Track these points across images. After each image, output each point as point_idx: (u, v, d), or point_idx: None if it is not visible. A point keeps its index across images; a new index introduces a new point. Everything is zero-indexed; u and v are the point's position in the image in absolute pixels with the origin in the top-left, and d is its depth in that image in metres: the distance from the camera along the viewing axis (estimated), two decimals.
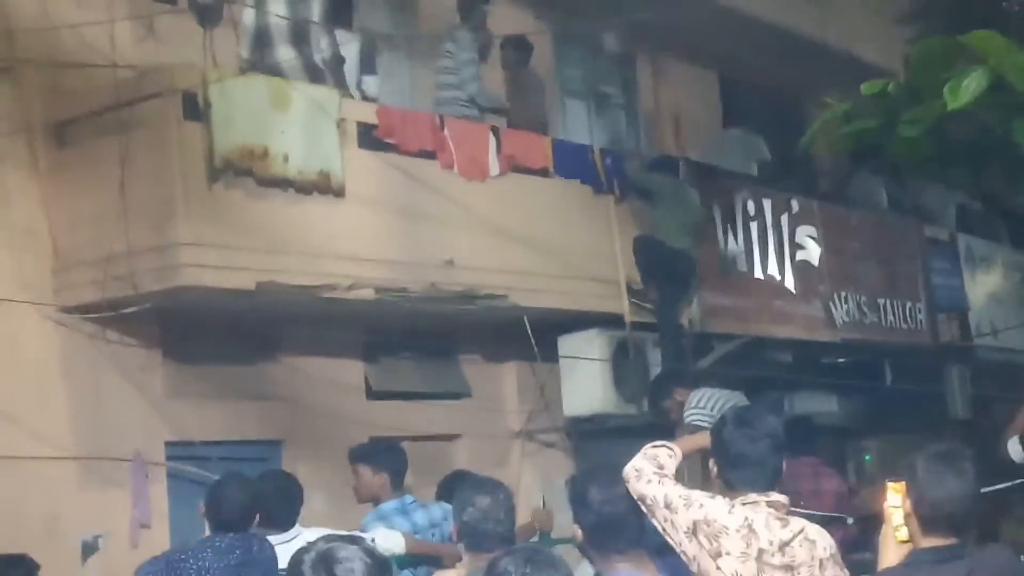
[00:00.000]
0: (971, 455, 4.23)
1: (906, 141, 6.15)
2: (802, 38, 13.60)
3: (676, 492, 4.60)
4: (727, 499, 4.58)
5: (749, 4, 12.09)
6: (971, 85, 5.68)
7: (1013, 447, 6.87)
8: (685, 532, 4.51)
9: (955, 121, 5.96)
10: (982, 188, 7.49)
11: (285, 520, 6.78)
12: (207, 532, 6.28)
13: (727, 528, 4.46)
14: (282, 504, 6.81)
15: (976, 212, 15.35)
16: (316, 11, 9.01)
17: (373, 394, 9.75)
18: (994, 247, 15.42)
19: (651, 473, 4.69)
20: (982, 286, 14.89)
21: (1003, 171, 6.42)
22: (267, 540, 6.36)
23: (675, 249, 10.42)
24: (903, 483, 4.19)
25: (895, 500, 4.21)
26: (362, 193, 8.60)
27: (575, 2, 11.35)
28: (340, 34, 9.25)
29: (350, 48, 9.48)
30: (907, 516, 4.16)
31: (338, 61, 9.09)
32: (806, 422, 11.45)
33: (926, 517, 4.10)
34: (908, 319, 13.40)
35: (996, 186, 6.99)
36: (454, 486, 6.79)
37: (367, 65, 9.76)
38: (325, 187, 8.37)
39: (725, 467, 4.68)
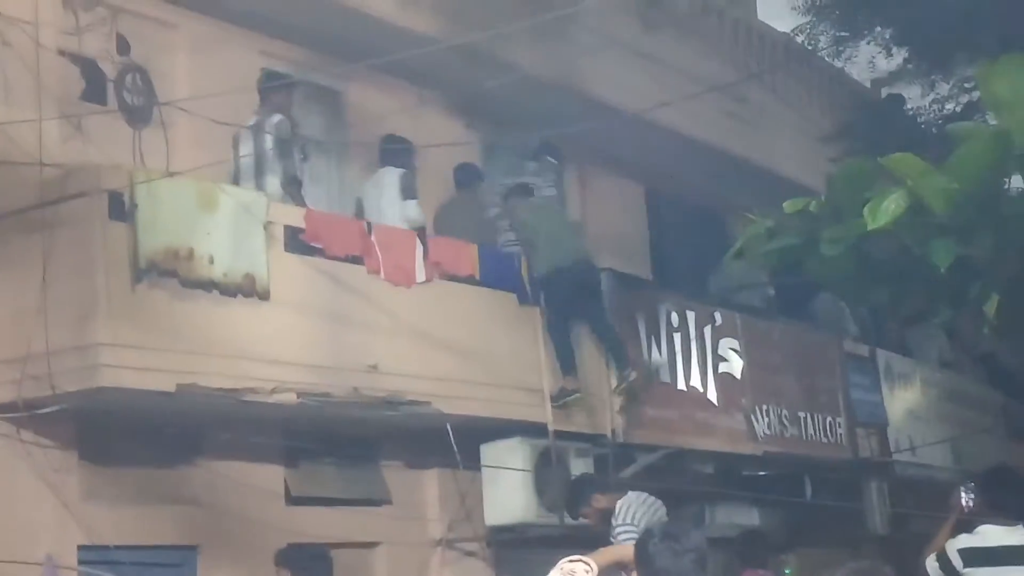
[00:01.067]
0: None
1: (827, 259, 6.23)
2: (727, 155, 13.83)
3: None
4: None
5: (675, 120, 12.28)
6: (890, 206, 5.78)
7: (931, 565, 6.91)
8: None
9: (875, 241, 6.05)
10: (900, 308, 7.59)
11: None
12: None
13: None
14: None
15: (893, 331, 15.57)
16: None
17: (292, 499, 9.64)
18: (912, 364, 15.61)
19: None
20: (901, 402, 15.06)
21: (921, 291, 6.54)
22: None
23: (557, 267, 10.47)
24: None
25: None
26: (287, 296, 8.58)
27: (504, 112, 11.47)
28: None
29: (391, 176, 10.20)
30: None
31: (296, 183, 9.33)
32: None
33: None
34: (828, 433, 13.50)
35: (914, 306, 7.09)
36: None
37: (407, 191, 10.22)
38: (250, 290, 8.36)
39: None
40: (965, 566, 6.80)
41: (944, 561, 6.87)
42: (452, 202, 11.09)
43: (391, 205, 10.25)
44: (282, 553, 7.72)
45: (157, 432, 8.57)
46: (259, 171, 9.30)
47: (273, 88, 9.49)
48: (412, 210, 10.21)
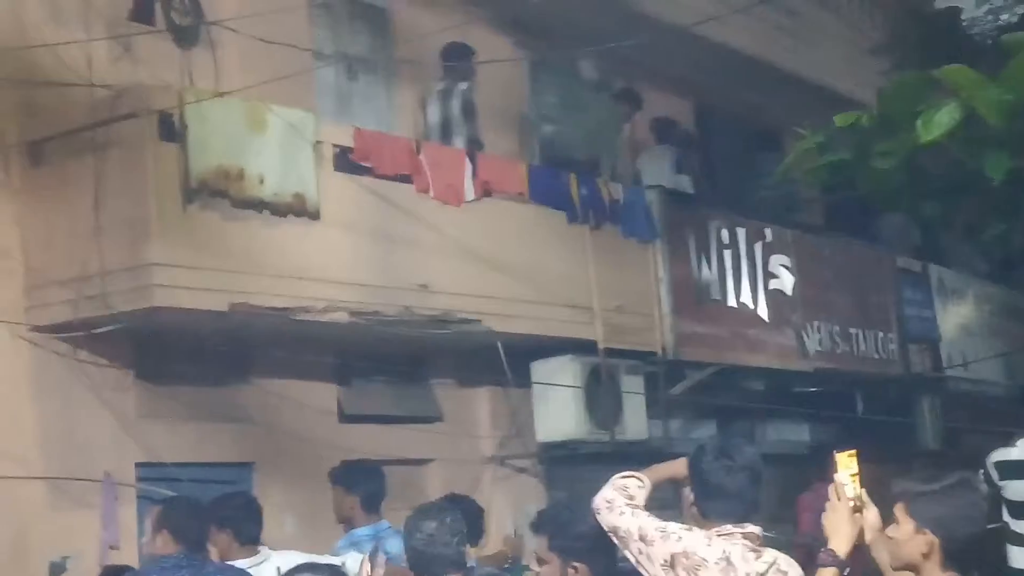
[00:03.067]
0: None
1: (879, 173, 6.19)
2: (776, 68, 13.68)
3: (651, 524, 4.59)
4: (703, 531, 4.57)
5: (722, 33, 12.14)
6: (943, 119, 5.72)
7: (977, 479, 6.89)
8: (662, 564, 4.51)
9: (927, 154, 6.00)
10: (954, 221, 7.53)
11: (247, 541, 6.75)
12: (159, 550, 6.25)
13: (706, 561, 4.46)
14: (241, 525, 6.79)
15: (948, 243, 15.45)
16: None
17: (345, 417, 9.73)
18: (965, 278, 15.51)
19: (623, 504, 4.69)
20: (953, 317, 14.98)
21: (975, 205, 6.48)
22: (227, 566, 6.34)
23: None
24: (853, 451, 4.18)
25: (849, 469, 4.18)
26: (337, 216, 8.60)
27: (552, 29, 11.39)
28: None
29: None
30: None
31: (478, 144, 10.18)
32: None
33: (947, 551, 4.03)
34: (880, 349, 13.46)
35: (968, 219, 7.03)
36: None
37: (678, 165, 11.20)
38: (300, 209, 8.37)
39: (702, 497, 4.67)
40: (1001, 478, 6.78)
41: (986, 474, 6.86)
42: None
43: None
44: (336, 470, 7.79)
45: (211, 351, 8.65)
46: (445, 133, 10.21)
47: (457, 59, 10.45)
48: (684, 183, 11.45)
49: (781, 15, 13.37)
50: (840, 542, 4.13)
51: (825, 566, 4.10)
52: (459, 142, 10.11)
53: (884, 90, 6.40)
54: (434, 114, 10.36)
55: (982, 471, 6.89)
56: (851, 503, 4.15)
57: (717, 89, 13.72)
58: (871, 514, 4.17)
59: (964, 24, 12.29)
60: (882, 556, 4.10)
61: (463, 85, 10.34)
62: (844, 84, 13.94)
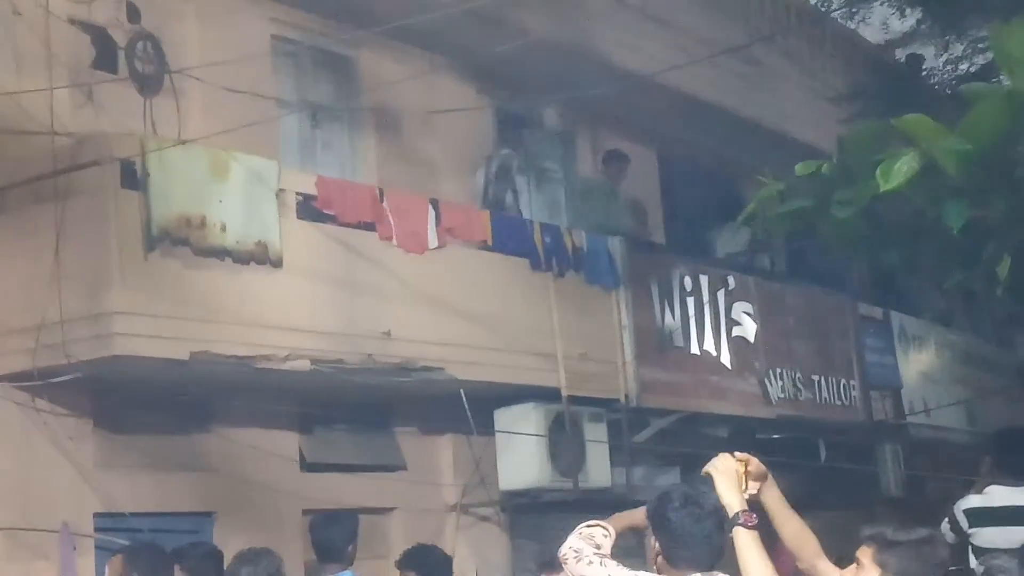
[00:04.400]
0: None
1: (839, 222, 6.22)
2: (739, 117, 13.77)
3: (621, 573, 4.57)
4: None
5: (686, 83, 12.22)
6: (903, 168, 5.75)
7: (943, 528, 6.91)
8: None
9: (887, 203, 6.03)
10: (914, 269, 7.57)
11: None
12: None
13: None
14: (205, 574, 6.75)
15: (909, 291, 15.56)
16: None
17: (307, 466, 9.67)
18: (927, 326, 15.59)
19: (591, 554, 4.66)
20: (915, 364, 15.04)
21: (934, 253, 6.52)
22: None
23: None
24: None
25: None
26: (300, 264, 8.59)
27: (517, 78, 11.44)
28: None
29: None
30: None
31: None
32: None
33: None
34: (842, 396, 13.50)
35: (928, 268, 7.08)
36: (419, 558, 6.87)
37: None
38: (262, 257, 8.36)
39: (670, 546, 4.64)
40: (971, 526, 6.80)
41: (953, 522, 6.88)
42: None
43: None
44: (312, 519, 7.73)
45: (171, 400, 8.60)
46: (485, 192, 11.07)
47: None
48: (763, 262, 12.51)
49: (742, 64, 13.47)
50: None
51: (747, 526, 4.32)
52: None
53: (844, 139, 6.44)
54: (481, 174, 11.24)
55: (947, 520, 6.91)
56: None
57: (679, 136, 13.79)
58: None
59: (923, 74, 12.43)
60: None
61: (504, 151, 11.34)
62: (805, 132, 14.04)
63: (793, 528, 4.73)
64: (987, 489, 6.93)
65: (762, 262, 13.53)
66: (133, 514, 8.34)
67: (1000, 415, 15.26)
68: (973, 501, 6.90)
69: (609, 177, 12.53)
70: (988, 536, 6.73)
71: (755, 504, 4.55)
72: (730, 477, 4.43)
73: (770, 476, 4.54)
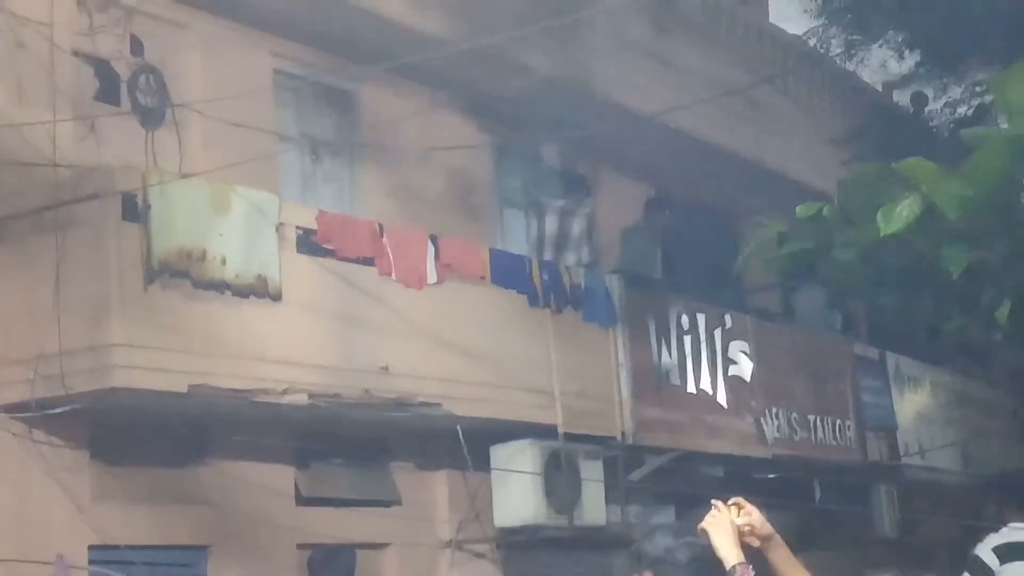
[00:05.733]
0: None
1: (840, 264, 6.25)
2: (738, 157, 13.83)
3: None
4: None
5: (686, 123, 12.28)
6: (903, 212, 5.79)
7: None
8: None
9: (887, 246, 6.06)
10: (912, 313, 7.60)
11: None
12: None
13: None
14: None
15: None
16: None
17: (303, 500, 9.65)
18: (923, 367, 15.60)
19: None
20: (911, 405, 15.05)
21: (933, 297, 6.55)
22: None
23: None
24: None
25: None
26: (299, 298, 8.59)
27: (518, 114, 11.49)
28: None
29: None
30: None
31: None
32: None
33: None
34: (838, 436, 13.49)
35: (926, 312, 7.10)
36: None
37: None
38: (262, 291, 8.36)
39: None
40: (1002, 562, 6.74)
41: (976, 566, 6.80)
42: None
43: None
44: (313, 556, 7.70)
45: (169, 432, 8.59)
46: (559, 245, 11.42)
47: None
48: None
49: (743, 105, 13.54)
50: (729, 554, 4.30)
51: None
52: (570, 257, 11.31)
53: (844, 181, 6.48)
54: (552, 224, 11.55)
55: (966, 571, 6.85)
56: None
57: (678, 175, 13.84)
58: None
59: (922, 116, 12.48)
60: None
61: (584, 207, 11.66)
62: (804, 173, 14.11)
63: None
64: (1009, 526, 6.89)
65: (766, 303, 13.57)
66: (128, 547, 8.31)
67: (994, 458, 15.29)
68: (997, 539, 6.85)
69: (649, 223, 12.65)
70: (1020, 570, 6.69)
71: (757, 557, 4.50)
72: (724, 530, 4.41)
73: (776, 536, 4.48)
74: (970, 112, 11.72)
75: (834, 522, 12.80)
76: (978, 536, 6.97)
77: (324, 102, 10.76)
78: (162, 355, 7.77)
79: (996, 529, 6.94)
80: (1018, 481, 7.25)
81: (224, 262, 8.15)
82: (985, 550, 6.81)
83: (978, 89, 11.51)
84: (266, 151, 9.41)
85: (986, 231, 5.88)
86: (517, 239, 12.12)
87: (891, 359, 14.82)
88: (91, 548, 8.33)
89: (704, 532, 4.45)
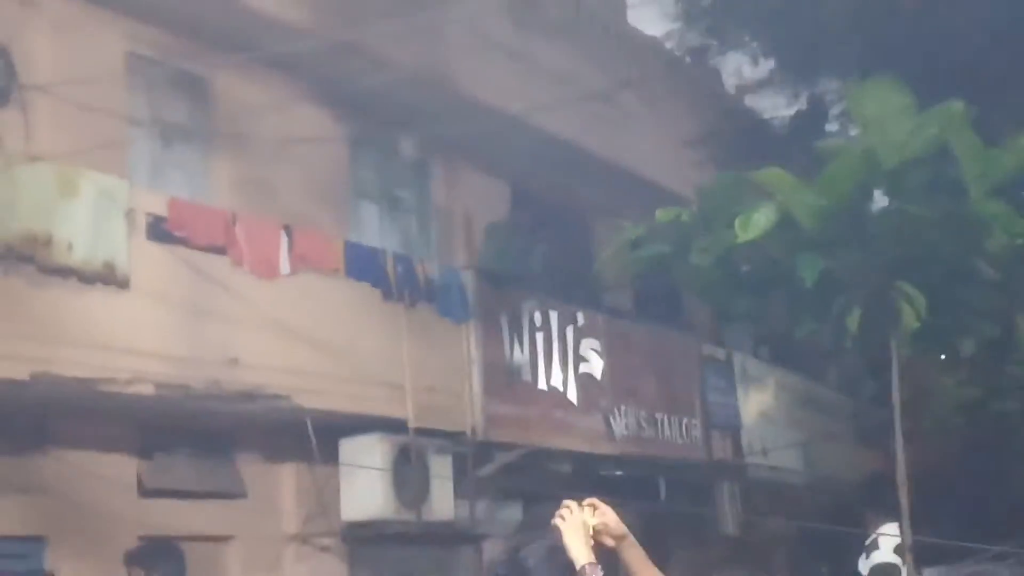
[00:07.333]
0: None
1: (696, 268, 6.32)
2: (591, 155, 13.88)
3: None
4: None
5: (542, 120, 12.31)
6: (760, 220, 5.88)
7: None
8: None
9: (743, 252, 6.15)
10: (764, 318, 7.73)
11: None
12: None
13: None
14: None
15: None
16: None
17: (145, 491, 9.46)
18: (767, 367, 15.88)
19: None
20: (755, 405, 15.30)
21: (786, 303, 6.65)
22: None
23: None
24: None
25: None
26: (148, 286, 8.42)
27: (373, 107, 11.39)
28: None
29: None
30: None
31: None
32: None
33: None
34: (684, 435, 13.67)
35: (777, 316, 7.23)
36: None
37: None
38: (109, 278, 8.19)
39: None
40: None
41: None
42: None
43: None
44: (132, 551, 7.56)
45: (8, 420, 8.34)
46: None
47: None
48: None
49: (599, 104, 13.60)
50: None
51: None
52: None
53: (703, 188, 6.55)
54: None
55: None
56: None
57: (537, 173, 13.86)
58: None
59: (773, 122, 12.69)
60: None
61: None
62: (658, 173, 14.23)
63: None
64: (878, 532, 6.97)
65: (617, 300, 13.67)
66: None
67: (834, 458, 15.63)
68: (874, 558, 6.92)
69: (511, 220, 12.73)
70: None
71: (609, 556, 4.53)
72: (576, 529, 4.41)
73: (630, 535, 4.52)
74: (821, 121, 11.93)
75: (678, 520, 12.96)
76: (849, 543, 7.07)
77: (178, 88, 10.52)
78: (3, 342, 7.56)
79: (866, 535, 7.07)
80: (887, 487, 7.39)
81: (71, 248, 7.96)
82: (867, 567, 6.90)
83: (829, 98, 11.73)
84: (117, 136, 9.18)
85: (839, 240, 5.99)
86: (371, 232, 12.03)
87: (738, 359, 15.05)
88: None
89: (555, 528, 4.45)
